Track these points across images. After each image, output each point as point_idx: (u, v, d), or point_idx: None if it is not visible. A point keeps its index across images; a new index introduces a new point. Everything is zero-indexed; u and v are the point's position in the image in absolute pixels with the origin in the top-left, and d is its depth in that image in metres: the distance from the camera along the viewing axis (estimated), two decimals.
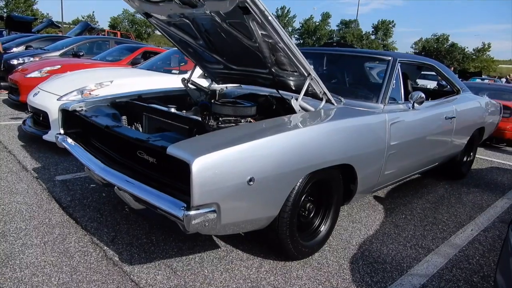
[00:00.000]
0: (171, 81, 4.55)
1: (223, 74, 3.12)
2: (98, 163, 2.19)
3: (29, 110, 4.43)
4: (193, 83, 3.16)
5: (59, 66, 6.05)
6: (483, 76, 25.02)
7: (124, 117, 2.52)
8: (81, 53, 7.75)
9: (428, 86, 10.17)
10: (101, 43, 9.43)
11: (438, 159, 3.63)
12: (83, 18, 50.28)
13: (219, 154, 1.66)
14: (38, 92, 4.48)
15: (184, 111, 2.64)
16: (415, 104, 2.90)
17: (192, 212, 1.61)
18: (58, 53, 8.18)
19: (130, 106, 2.77)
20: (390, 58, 3.00)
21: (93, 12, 62.80)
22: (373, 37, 58.32)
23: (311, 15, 61.96)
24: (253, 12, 1.91)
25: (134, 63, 6.56)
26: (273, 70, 2.56)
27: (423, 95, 2.88)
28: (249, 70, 2.81)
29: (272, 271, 2.17)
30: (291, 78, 2.55)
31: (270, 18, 1.93)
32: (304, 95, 2.40)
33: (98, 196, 3.00)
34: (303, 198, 2.20)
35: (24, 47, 9.67)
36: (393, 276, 2.24)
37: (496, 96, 6.42)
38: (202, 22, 2.40)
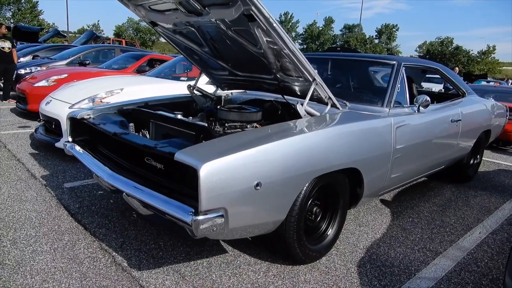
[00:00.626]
0: (180, 88, 4.61)
1: (229, 81, 3.15)
2: (106, 170, 2.21)
3: (41, 118, 4.51)
4: (199, 90, 3.19)
5: (66, 75, 6.13)
6: (488, 79, 24.90)
7: (131, 124, 2.55)
8: (87, 62, 7.85)
9: (434, 89, 10.15)
10: (106, 51, 9.55)
11: (444, 162, 3.63)
12: (88, 27, 50.87)
13: (226, 159, 1.68)
14: (50, 100, 4.58)
15: (191, 118, 2.66)
16: (421, 108, 2.91)
17: (200, 217, 1.63)
18: (64, 62, 8.30)
19: (137, 113, 2.80)
20: (394, 62, 3.02)
21: (98, 21, 63.46)
22: (376, 41, 58.34)
23: (314, 20, 62.04)
24: (258, 20, 1.94)
25: (139, 71, 6.64)
26: (278, 76, 2.59)
27: (428, 98, 2.89)
28: (254, 76, 2.84)
29: (279, 275, 2.18)
30: (296, 83, 2.57)
31: (275, 25, 1.96)
32: (310, 100, 2.42)
33: (106, 202, 3.03)
34: (309, 202, 2.21)
35: (31, 57, 9.83)
36: (401, 280, 2.24)
37: (502, 98, 6.40)
38: (207, 29, 2.44)
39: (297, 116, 2.37)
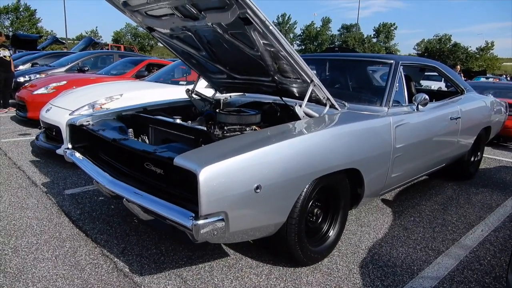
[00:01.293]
0: (179, 92, 4.62)
1: (227, 84, 3.16)
2: (106, 176, 2.22)
3: (42, 125, 4.52)
4: (197, 93, 3.20)
5: (65, 82, 6.15)
6: (487, 75, 24.90)
7: (130, 129, 2.55)
8: (86, 68, 7.87)
9: (432, 87, 10.16)
10: (105, 57, 9.57)
11: (445, 160, 3.62)
12: (86, 33, 51.02)
13: (225, 163, 1.68)
14: (50, 108, 4.59)
15: (189, 122, 2.67)
16: (419, 106, 2.91)
17: (201, 222, 1.62)
18: (63, 69, 8.31)
19: (136, 118, 2.80)
20: (392, 61, 3.02)
21: (96, 27, 63.87)
22: (375, 40, 58.40)
23: (312, 21, 62.25)
24: (254, 23, 1.94)
25: (138, 76, 6.64)
26: (276, 78, 2.59)
27: (427, 96, 2.89)
28: (252, 79, 2.84)
29: (282, 278, 2.17)
30: (294, 85, 2.57)
31: (271, 27, 1.96)
32: (308, 101, 2.42)
33: (107, 208, 3.03)
34: (310, 203, 2.20)
35: (30, 65, 9.85)
36: (404, 280, 2.23)
37: (501, 94, 6.40)
38: (204, 33, 2.44)
39: (296, 118, 2.37)
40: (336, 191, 2.38)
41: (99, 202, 3.14)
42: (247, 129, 2.41)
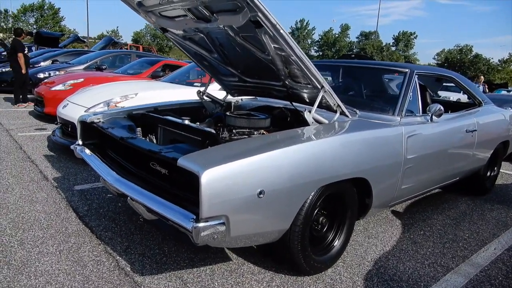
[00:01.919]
0: (193, 93, 4.64)
1: (238, 87, 3.15)
2: (112, 174, 2.22)
3: (59, 121, 4.61)
4: (208, 95, 3.20)
5: (82, 79, 6.26)
6: (509, 88, 24.27)
7: (138, 128, 2.56)
8: (103, 67, 8.00)
9: (451, 98, 9.94)
10: (123, 56, 9.73)
11: (459, 174, 3.52)
12: (107, 33, 52.06)
13: (229, 166, 1.66)
14: (67, 104, 4.69)
15: (198, 123, 2.66)
16: (434, 117, 2.84)
17: (201, 224, 1.61)
18: (82, 66, 8.48)
19: (145, 118, 2.82)
20: (407, 70, 2.96)
21: (117, 27, 65.08)
22: (393, 48, 57.78)
23: (330, 27, 62.07)
24: (265, 26, 1.93)
25: (154, 76, 6.72)
26: (287, 83, 2.57)
27: (441, 107, 2.82)
28: (263, 83, 2.83)
29: (283, 286, 2.13)
30: (304, 90, 2.54)
31: (282, 31, 1.94)
32: (319, 107, 2.39)
33: (114, 206, 3.05)
34: (315, 211, 2.16)
35: (51, 61, 10.08)
36: None
37: None
38: (216, 36, 2.44)
39: (306, 123, 2.34)
40: (343, 200, 2.33)
41: (107, 200, 3.16)
42: (255, 133, 2.39)
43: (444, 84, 10.24)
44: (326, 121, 2.39)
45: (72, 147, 2.64)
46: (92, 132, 2.75)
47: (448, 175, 3.35)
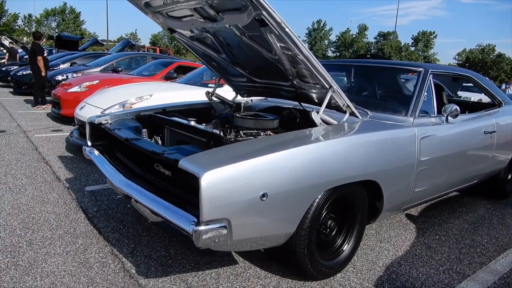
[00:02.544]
0: None
1: (247, 87, 3.11)
2: (118, 175, 2.22)
3: (76, 122, 4.69)
4: (217, 96, 3.17)
5: (98, 81, 6.35)
6: None
7: (145, 130, 2.55)
8: (119, 69, 8.10)
9: (472, 99, 9.62)
10: (139, 58, 9.84)
11: (477, 176, 3.38)
12: (126, 35, 53.04)
13: (230, 168, 1.62)
14: (84, 106, 4.77)
15: (204, 124, 2.63)
16: (449, 118, 2.73)
17: (202, 227, 1.57)
18: (98, 69, 8.62)
19: (153, 119, 2.81)
20: (421, 69, 2.86)
21: (136, 30, 66.20)
22: (412, 48, 56.68)
23: (347, 28, 61.35)
24: (270, 24, 1.88)
25: (168, 78, 6.76)
26: (295, 83, 2.51)
27: (457, 108, 2.71)
28: (271, 83, 2.78)
29: None
30: (313, 90, 2.48)
31: (287, 30, 1.89)
32: (328, 108, 2.33)
33: (123, 207, 3.05)
34: (323, 215, 2.10)
35: (69, 64, 10.30)
36: None
37: None
38: (223, 35, 2.41)
39: (315, 124, 2.28)
40: (352, 203, 2.26)
41: (116, 201, 3.17)
42: (262, 134, 2.35)
43: (464, 84, 9.94)
44: (335, 122, 2.32)
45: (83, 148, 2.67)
46: (101, 134, 2.76)
47: (465, 178, 3.22)
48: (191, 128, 2.38)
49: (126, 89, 5.27)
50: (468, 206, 3.70)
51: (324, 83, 2.22)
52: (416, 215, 3.37)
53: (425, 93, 2.75)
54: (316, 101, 2.59)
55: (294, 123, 2.69)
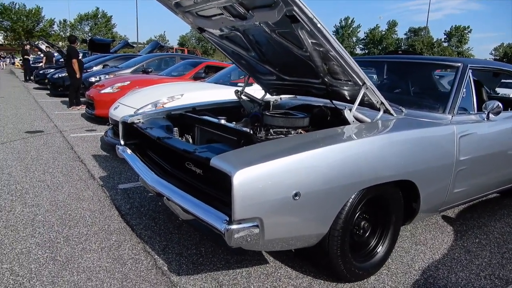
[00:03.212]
0: None
1: (277, 85, 3.08)
2: (150, 173, 2.25)
3: (110, 122, 4.84)
4: (246, 95, 3.16)
5: (129, 82, 6.52)
6: None
7: (175, 128, 2.58)
8: (149, 70, 8.28)
9: None
10: (168, 59, 10.02)
11: None
12: (155, 37, 54.25)
13: (262, 166, 1.60)
14: (118, 106, 4.92)
15: (234, 123, 2.63)
16: (490, 115, 2.59)
17: (234, 226, 1.56)
18: (129, 70, 8.84)
19: (183, 118, 2.84)
20: (459, 64, 2.72)
21: (164, 32, 67.64)
22: (445, 44, 54.64)
23: (376, 24, 59.86)
24: (302, 21, 1.84)
25: (196, 77, 6.84)
26: (326, 80, 2.46)
27: (500, 104, 2.56)
28: (302, 81, 2.73)
29: None
30: (345, 87, 2.42)
31: (319, 25, 1.85)
32: (361, 105, 2.26)
33: (154, 205, 3.10)
34: (356, 215, 2.04)
35: (102, 66, 10.64)
36: None
37: None
38: (252, 33, 2.39)
39: (347, 122, 2.22)
40: (386, 204, 2.18)
41: (148, 199, 3.23)
42: (293, 132, 2.31)
43: (503, 80, 9.46)
44: (368, 120, 2.25)
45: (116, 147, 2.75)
46: (133, 133, 2.82)
47: (508, 179, 3.05)
48: (221, 127, 2.38)
49: (158, 89, 5.38)
50: (510, 209, 3.51)
51: (357, 79, 2.15)
52: (454, 217, 3.22)
53: (464, 89, 2.62)
54: (348, 98, 2.53)
55: (325, 121, 2.63)
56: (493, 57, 51.95)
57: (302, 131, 2.32)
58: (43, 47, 18.78)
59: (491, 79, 4.67)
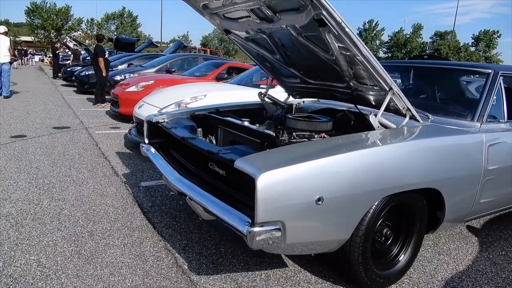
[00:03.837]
0: None
1: (300, 89, 3.07)
2: (174, 173, 2.28)
3: (134, 120, 4.94)
4: (270, 97, 3.17)
5: (153, 81, 6.63)
6: None
7: (199, 129, 2.61)
8: (173, 69, 8.41)
9: None
10: (191, 59, 10.14)
11: None
12: (179, 37, 55.03)
13: (286, 170, 1.60)
14: (142, 104, 5.02)
15: (257, 125, 2.64)
16: None
17: (256, 229, 1.56)
18: (153, 69, 9.00)
19: (207, 119, 2.87)
20: (490, 70, 2.65)
21: (187, 32, 68.64)
22: (473, 49, 53.11)
23: (401, 28, 58.78)
24: (329, 25, 1.84)
25: (218, 78, 6.90)
26: (351, 84, 2.44)
27: None
28: (326, 84, 2.72)
29: None
30: (370, 92, 2.39)
31: (347, 29, 1.83)
32: (386, 111, 2.23)
33: (175, 203, 3.15)
34: (379, 222, 2.01)
35: (127, 65, 10.87)
36: None
37: None
38: (278, 36, 2.40)
39: (371, 128, 2.19)
40: (410, 212, 2.14)
41: (169, 197, 3.28)
42: (316, 136, 2.30)
43: None
44: (394, 126, 2.22)
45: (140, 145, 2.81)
46: (157, 132, 2.87)
47: None
48: (244, 129, 2.39)
49: (181, 89, 5.46)
50: None
51: (384, 84, 2.12)
52: (479, 228, 3.13)
53: (494, 97, 2.54)
54: (373, 103, 2.50)
55: (348, 126, 2.61)
56: None
57: (325, 135, 2.31)
58: (71, 45, 19.34)
59: None
